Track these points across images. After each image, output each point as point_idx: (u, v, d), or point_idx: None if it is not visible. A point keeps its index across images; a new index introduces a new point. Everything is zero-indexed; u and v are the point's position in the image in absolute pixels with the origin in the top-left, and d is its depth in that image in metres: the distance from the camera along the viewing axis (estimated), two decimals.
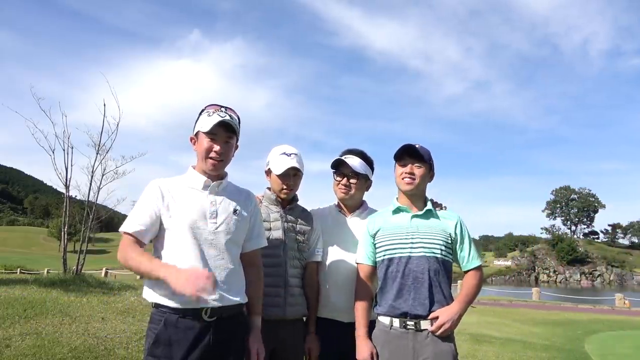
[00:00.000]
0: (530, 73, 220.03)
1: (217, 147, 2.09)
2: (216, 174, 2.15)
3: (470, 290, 2.35)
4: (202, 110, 2.14)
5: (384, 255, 2.37)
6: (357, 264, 2.50)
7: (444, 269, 2.31)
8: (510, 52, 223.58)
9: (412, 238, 2.33)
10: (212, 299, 1.97)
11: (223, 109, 2.12)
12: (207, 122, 2.07)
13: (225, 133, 2.10)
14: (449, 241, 2.34)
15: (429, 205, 2.42)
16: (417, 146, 2.38)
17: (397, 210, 2.43)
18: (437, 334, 2.22)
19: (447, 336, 2.26)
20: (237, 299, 2.09)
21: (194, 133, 2.16)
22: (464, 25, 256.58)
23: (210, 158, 2.10)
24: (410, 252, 2.31)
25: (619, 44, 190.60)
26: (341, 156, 2.72)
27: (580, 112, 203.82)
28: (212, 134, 2.08)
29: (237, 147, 2.21)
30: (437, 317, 2.24)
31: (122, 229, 2.03)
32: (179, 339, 1.93)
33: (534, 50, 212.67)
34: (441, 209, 2.50)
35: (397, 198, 2.48)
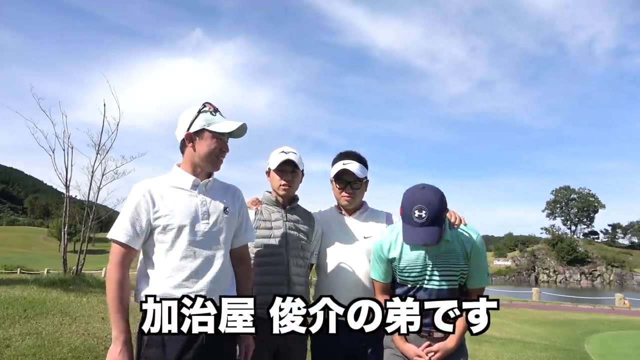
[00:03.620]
0: (535, 72, 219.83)
1: (225, 149, 2.14)
2: (215, 171, 2.18)
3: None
4: (202, 109, 2.10)
5: (399, 281, 2.32)
6: (374, 280, 2.44)
7: (460, 293, 2.24)
8: (515, 51, 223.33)
9: (428, 270, 2.22)
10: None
11: (219, 111, 2.15)
12: (222, 125, 2.09)
13: (229, 137, 2.16)
14: (467, 268, 2.24)
15: (446, 235, 2.17)
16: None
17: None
18: None
19: (462, 348, 2.23)
20: None
21: (194, 130, 2.08)
22: (469, 24, 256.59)
23: (219, 159, 2.14)
24: (425, 284, 2.23)
25: (625, 43, 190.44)
26: (338, 160, 2.71)
27: (584, 112, 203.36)
28: (221, 134, 2.11)
29: None
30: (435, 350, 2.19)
31: (111, 235, 2.00)
32: (172, 340, 1.92)
33: (540, 49, 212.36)
34: (460, 223, 2.28)
35: None
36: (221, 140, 2.11)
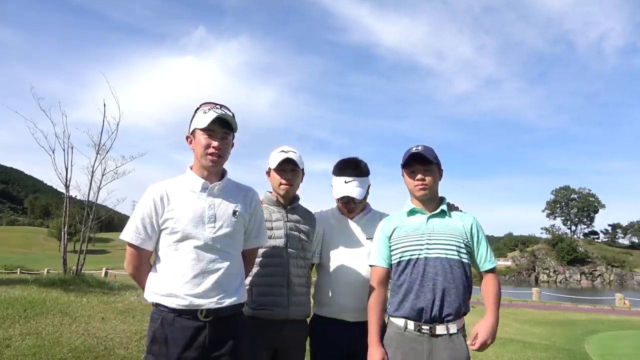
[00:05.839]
0: (542, 71, 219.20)
1: (215, 143, 2.10)
2: (215, 170, 2.16)
3: (498, 294, 2.34)
4: (197, 109, 2.16)
5: (400, 257, 2.33)
6: (372, 266, 2.44)
7: (460, 271, 2.26)
8: (523, 50, 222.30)
9: (427, 239, 2.30)
10: (210, 301, 2.01)
11: (218, 106, 2.14)
12: (204, 119, 2.08)
13: (222, 129, 2.12)
14: (466, 242, 2.31)
15: (444, 206, 2.38)
16: (420, 149, 2.34)
17: (412, 212, 2.40)
18: (479, 351, 2.23)
19: (463, 342, 2.25)
20: (235, 299, 2.10)
21: (190, 132, 2.17)
22: (478, 22, 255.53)
23: (209, 154, 2.10)
24: (425, 254, 2.27)
25: (635, 41, 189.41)
26: (339, 175, 2.66)
27: (591, 111, 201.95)
28: (209, 130, 2.09)
29: (232, 144, 2.22)
30: (477, 334, 2.24)
31: (123, 237, 2.06)
32: (175, 338, 1.98)
33: (548, 47, 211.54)
34: (456, 209, 2.45)
35: (410, 200, 2.44)
36: (210, 136, 2.10)
